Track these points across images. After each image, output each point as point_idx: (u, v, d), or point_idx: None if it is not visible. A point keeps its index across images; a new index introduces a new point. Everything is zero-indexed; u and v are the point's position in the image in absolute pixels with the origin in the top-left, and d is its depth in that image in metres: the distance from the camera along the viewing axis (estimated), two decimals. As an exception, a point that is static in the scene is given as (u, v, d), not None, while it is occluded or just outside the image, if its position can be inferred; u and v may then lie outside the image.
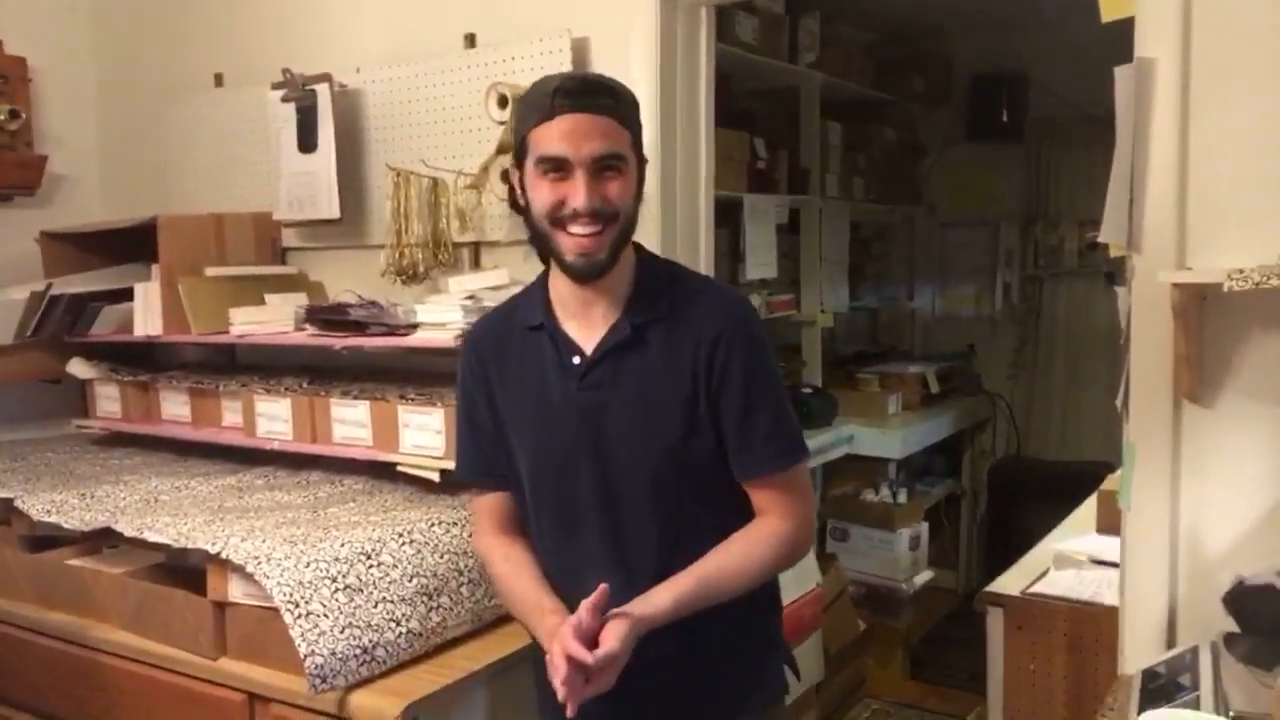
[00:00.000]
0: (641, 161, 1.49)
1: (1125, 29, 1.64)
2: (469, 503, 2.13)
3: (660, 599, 1.40)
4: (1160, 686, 1.46)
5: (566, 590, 1.48)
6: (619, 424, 1.48)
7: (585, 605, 1.33)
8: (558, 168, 1.40)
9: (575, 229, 1.41)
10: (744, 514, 1.53)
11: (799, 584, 3.17)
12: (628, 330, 1.48)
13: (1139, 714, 1.32)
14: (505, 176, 1.60)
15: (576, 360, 1.50)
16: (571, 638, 1.31)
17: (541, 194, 1.42)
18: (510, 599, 1.57)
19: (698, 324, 1.48)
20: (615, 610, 1.36)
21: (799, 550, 1.54)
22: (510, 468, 1.58)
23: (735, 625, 1.53)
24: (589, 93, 1.41)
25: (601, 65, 2.28)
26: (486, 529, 1.64)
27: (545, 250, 1.48)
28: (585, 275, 1.45)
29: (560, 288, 1.52)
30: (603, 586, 1.34)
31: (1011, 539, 3.62)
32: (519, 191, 1.49)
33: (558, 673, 1.29)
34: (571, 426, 1.49)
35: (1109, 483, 2.39)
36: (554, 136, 1.39)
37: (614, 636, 1.32)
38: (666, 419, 1.47)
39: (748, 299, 1.74)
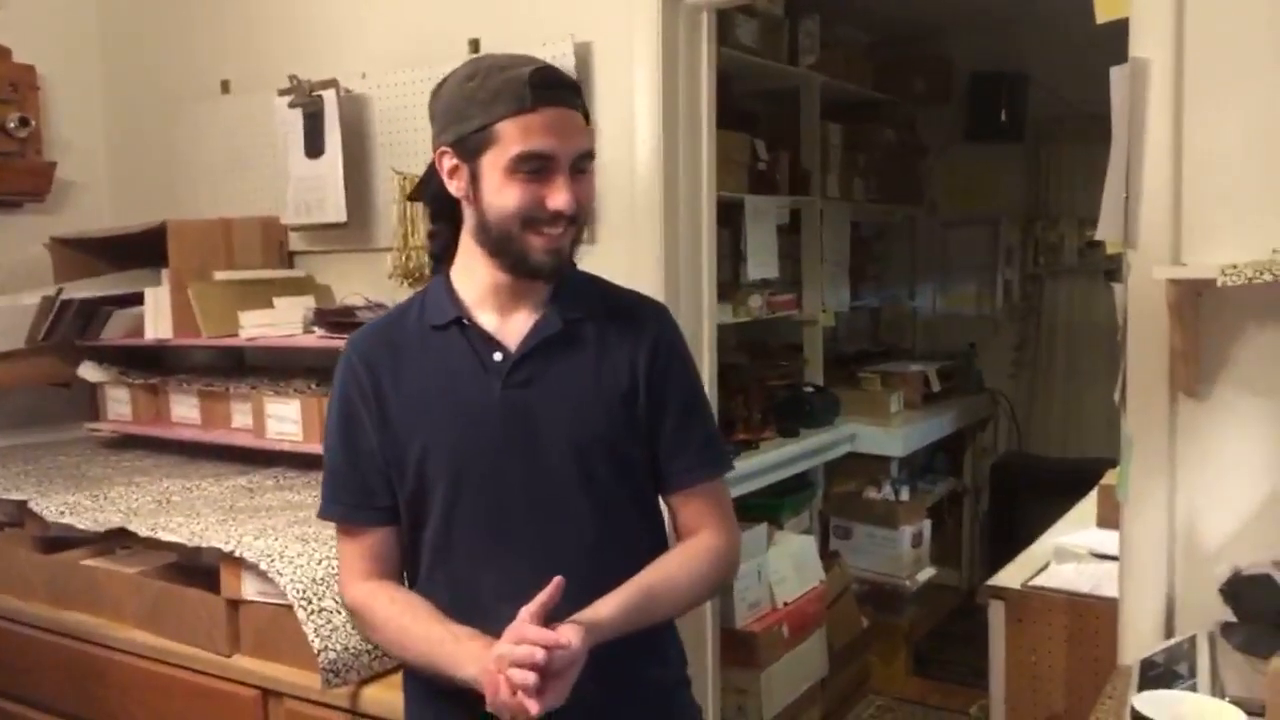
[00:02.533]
0: None
1: (1124, 27, 1.66)
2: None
3: (606, 607, 1.27)
4: (1158, 675, 1.48)
5: (481, 624, 1.28)
6: (552, 424, 1.35)
7: (531, 606, 1.18)
8: (541, 165, 1.28)
9: (551, 230, 1.31)
10: (665, 539, 1.46)
11: (802, 581, 3.20)
12: (559, 324, 1.37)
13: (1137, 700, 1.35)
14: (426, 178, 1.43)
15: (499, 357, 1.36)
16: (532, 625, 1.17)
17: (514, 194, 1.28)
18: (408, 639, 1.32)
19: (636, 326, 1.41)
20: (563, 622, 1.21)
21: (733, 569, 1.46)
22: (398, 495, 1.38)
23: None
24: (564, 85, 1.32)
25: (604, 69, 2.31)
26: (359, 575, 1.40)
27: (503, 254, 1.33)
28: (552, 273, 1.35)
29: (486, 280, 1.37)
30: (558, 579, 1.20)
31: (1013, 536, 3.63)
32: (464, 187, 1.33)
33: (518, 675, 1.14)
34: (497, 429, 1.34)
35: (1109, 477, 2.42)
36: (538, 131, 1.27)
37: (572, 633, 1.18)
38: (605, 418, 1.37)
39: None
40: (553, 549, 1.34)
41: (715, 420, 1.48)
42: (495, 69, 1.30)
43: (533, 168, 1.28)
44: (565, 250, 1.34)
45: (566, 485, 1.35)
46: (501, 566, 1.34)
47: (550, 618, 1.21)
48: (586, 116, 1.36)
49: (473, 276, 1.39)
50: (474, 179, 1.31)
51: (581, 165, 1.33)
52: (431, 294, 1.43)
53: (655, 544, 1.44)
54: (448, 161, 1.34)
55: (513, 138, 1.27)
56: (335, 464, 1.42)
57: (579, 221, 1.34)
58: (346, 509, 1.41)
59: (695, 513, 1.43)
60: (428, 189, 1.44)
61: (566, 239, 1.33)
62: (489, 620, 1.26)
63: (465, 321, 1.38)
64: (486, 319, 1.38)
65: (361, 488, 1.39)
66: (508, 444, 1.34)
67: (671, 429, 1.40)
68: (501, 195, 1.29)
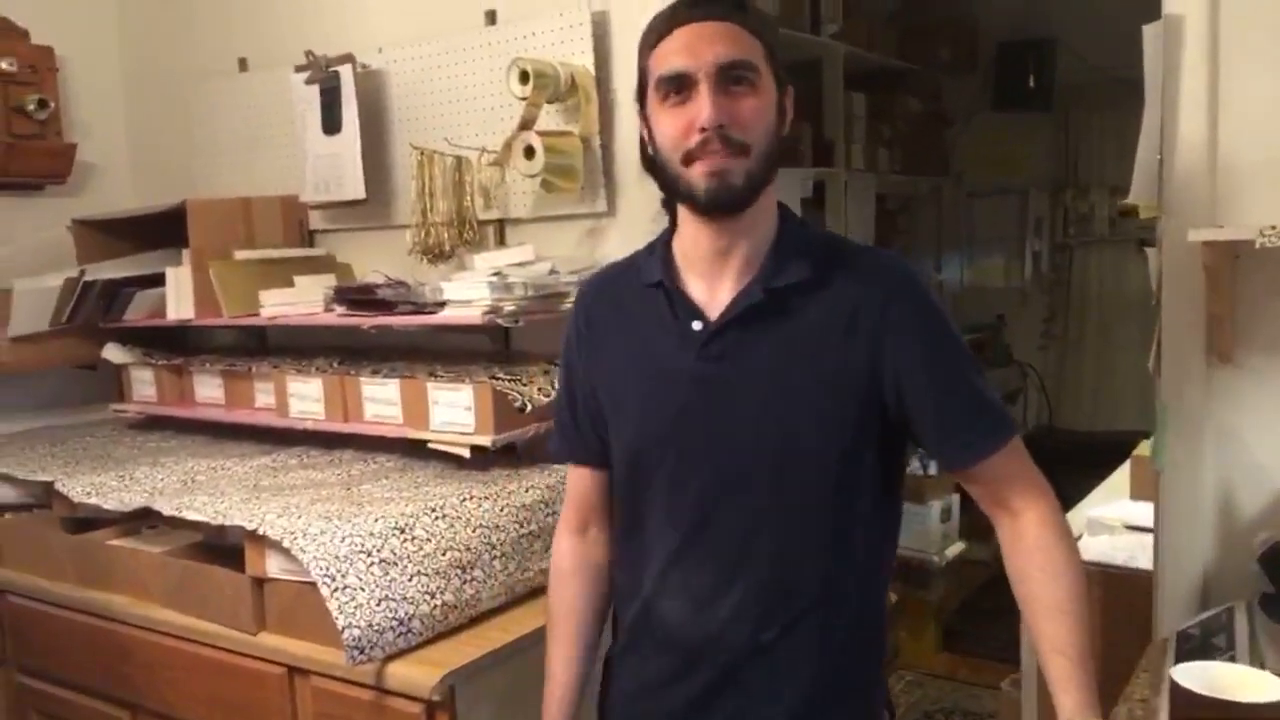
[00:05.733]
0: (784, 87, 1.26)
1: (1152, -11, 1.62)
2: (502, 477, 2.16)
3: (1068, 684, 1.21)
4: (1194, 648, 1.45)
5: (640, 589, 1.34)
6: (741, 406, 1.25)
7: None
8: (680, 87, 1.19)
9: (705, 152, 1.20)
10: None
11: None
12: (760, 294, 1.25)
13: (1173, 673, 1.32)
14: (645, 138, 1.35)
15: (698, 326, 1.28)
16: None
17: (665, 124, 1.22)
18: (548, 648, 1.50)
19: (855, 291, 1.25)
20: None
21: (1065, 521, 1.30)
22: (607, 443, 1.41)
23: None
24: (712, 0, 1.22)
25: (622, 39, 2.27)
26: (567, 522, 1.50)
27: (678, 197, 1.28)
28: (718, 203, 1.22)
29: (689, 238, 1.30)
30: None
31: (1044, 509, 3.60)
32: (648, 140, 1.28)
33: None
34: (680, 401, 1.28)
35: (1142, 449, 2.37)
36: (671, 52, 1.20)
37: None
38: (805, 402, 1.24)
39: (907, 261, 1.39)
40: (717, 535, 1.28)
41: (985, 382, 1.30)
42: (659, 14, 1.26)
43: (672, 90, 1.21)
44: (730, 175, 1.20)
45: (744, 472, 1.26)
46: (671, 541, 1.31)
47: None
48: (755, 29, 1.23)
49: (682, 237, 1.33)
50: (649, 129, 1.28)
51: (742, 77, 1.20)
52: (654, 247, 1.37)
53: (859, 543, 1.29)
54: (640, 126, 1.31)
55: (654, 69, 1.23)
56: (558, 405, 1.49)
57: (740, 141, 1.20)
58: (563, 451, 1.48)
59: (994, 484, 1.28)
60: (645, 157, 1.36)
61: (727, 161, 1.20)
62: (663, 585, 1.31)
63: (668, 285, 1.31)
64: (695, 284, 1.31)
65: (572, 432, 1.45)
66: (690, 418, 1.28)
67: (934, 404, 1.25)
68: (659, 132, 1.24)
